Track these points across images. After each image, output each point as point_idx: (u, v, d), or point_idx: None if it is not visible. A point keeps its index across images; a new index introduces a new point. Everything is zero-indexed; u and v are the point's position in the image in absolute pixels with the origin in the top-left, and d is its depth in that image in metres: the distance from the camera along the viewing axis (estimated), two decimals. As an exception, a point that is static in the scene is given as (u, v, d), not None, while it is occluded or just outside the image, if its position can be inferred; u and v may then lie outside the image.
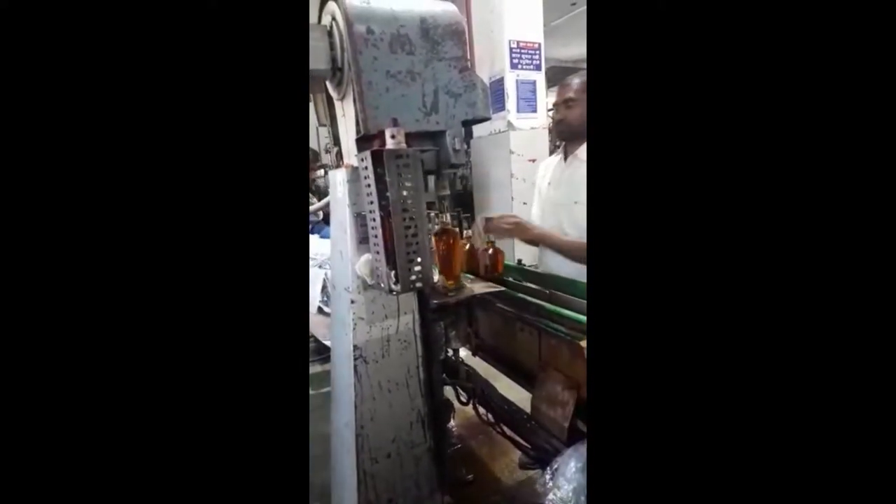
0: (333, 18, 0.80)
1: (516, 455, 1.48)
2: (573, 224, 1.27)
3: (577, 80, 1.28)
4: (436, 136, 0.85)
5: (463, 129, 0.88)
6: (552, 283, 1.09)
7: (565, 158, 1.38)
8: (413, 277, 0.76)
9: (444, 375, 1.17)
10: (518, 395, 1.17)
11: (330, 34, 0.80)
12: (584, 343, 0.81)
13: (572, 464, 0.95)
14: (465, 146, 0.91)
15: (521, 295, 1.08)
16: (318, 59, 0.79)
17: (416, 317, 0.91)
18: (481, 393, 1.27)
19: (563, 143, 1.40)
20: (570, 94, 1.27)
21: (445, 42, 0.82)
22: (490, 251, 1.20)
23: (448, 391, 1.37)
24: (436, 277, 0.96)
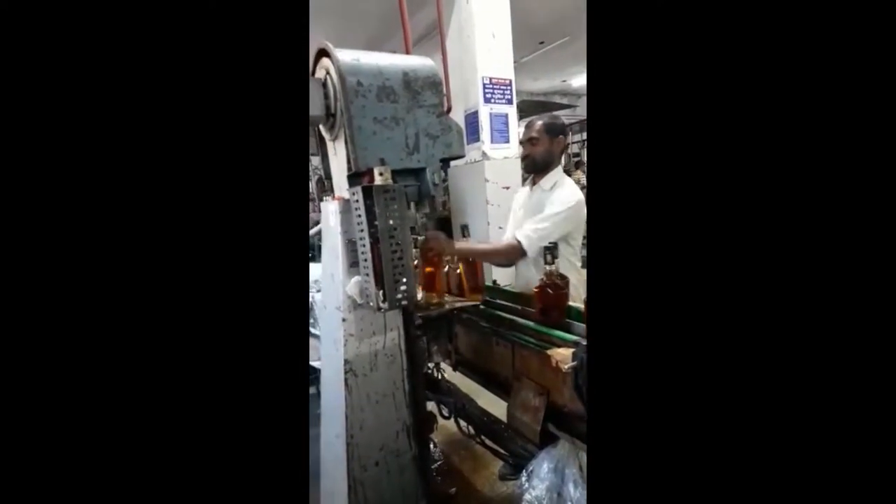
0: (328, 72, 0.92)
1: (497, 467, 1.56)
2: (524, 234, 1.41)
3: (539, 122, 1.46)
4: (418, 172, 0.97)
5: (441, 165, 1.01)
6: (524, 300, 1.20)
7: (532, 187, 1.54)
8: (399, 296, 0.86)
9: (428, 391, 1.26)
10: (500, 410, 1.25)
11: (324, 85, 0.92)
12: (550, 352, 0.92)
13: (545, 465, 1.04)
14: (444, 179, 1.03)
15: (496, 311, 1.18)
16: (314, 106, 0.90)
17: (402, 333, 1.00)
18: (462, 407, 1.36)
19: (532, 175, 1.56)
20: (534, 134, 1.45)
21: (424, 92, 0.95)
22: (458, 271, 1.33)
23: (431, 407, 1.45)
24: (419, 295, 1.06)
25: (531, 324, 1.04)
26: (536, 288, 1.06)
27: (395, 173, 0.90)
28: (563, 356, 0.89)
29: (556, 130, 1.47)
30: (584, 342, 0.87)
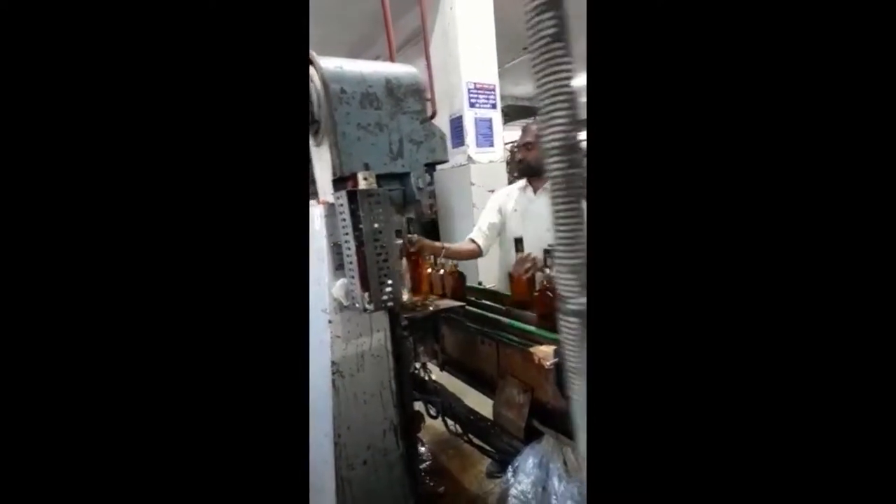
0: (311, 80, 0.94)
1: (484, 466, 1.58)
2: None
3: (536, 127, 1.51)
4: (402, 177, 0.99)
5: (425, 170, 1.03)
6: (508, 300, 1.23)
7: (534, 192, 1.56)
8: (384, 297, 0.88)
9: (415, 391, 1.28)
10: (487, 409, 1.27)
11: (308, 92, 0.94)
12: (533, 350, 0.95)
13: (530, 460, 1.07)
14: (430, 184, 1.06)
15: (481, 311, 1.21)
16: (298, 113, 0.92)
17: (388, 334, 1.02)
18: (449, 406, 1.38)
19: (526, 178, 1.60)
20: (529, 139, 1.50)
21: (407, 99, 0.98)
22: (454, 275, 1.35)
23: (420, 407, 1.47)
24: (405, 296, 1.08)
25: (515, 322, 1.07)
26: (537, 292, 1.08)
27: (380, 178, 0.92)
28: (545, 353, 0.92)
29: None
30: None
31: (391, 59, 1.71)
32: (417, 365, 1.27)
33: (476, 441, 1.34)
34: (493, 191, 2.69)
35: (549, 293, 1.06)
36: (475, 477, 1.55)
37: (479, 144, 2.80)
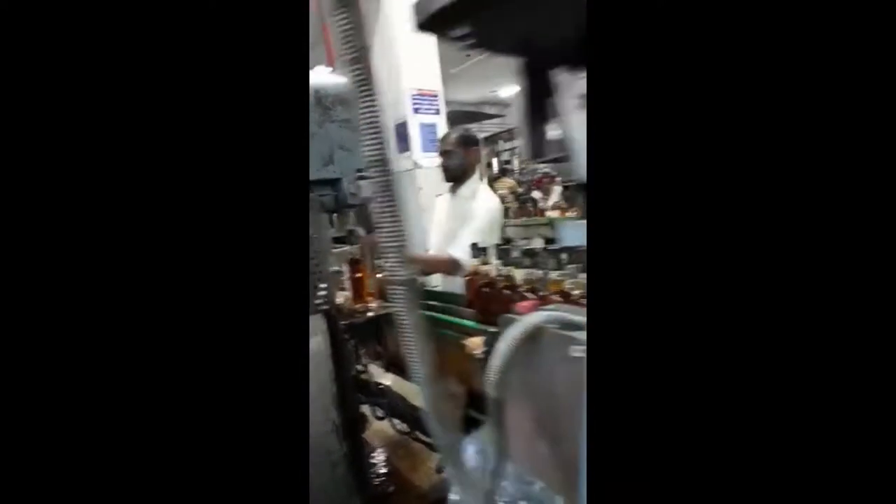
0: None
1: (434, 462, 1.62)
2: (462, 248, 1.52)
3: (454, 135, 1.60)
4: (334, 183, 1.02)
5: (356, 176, 1.07)
6: (446, 298, 1.29)
7: (453, 195, 1.66)
8: (318, 301, 0.90)
9: (360, 395, 1.30)
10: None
11: (235, 101, 0.95)
12: (466, 341, 1.01)
13: (470, 448, 1.12)
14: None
15: (423, 311, 1.26)
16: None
17: (326, 337, 1.04)
18: (395, 406, 1.41)
19: (451, 183, 1.69)
20: (448, 147, 1.59)
21: (336, 108, 1.01)
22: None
23: (366, 410, 1.49)
24: (341, 300, 1.11)
25: (450, 318, 1.13)
26: (486, 288, 1.14)
27: (312, 183, 0.95)
28: (476, 343, 0.99)
29: (469, 141, 1.61)
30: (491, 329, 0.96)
31: (330, 64, 1.72)
32: (360, 367, 1.29)
33: (423, 438, 1.38)
34: (440, 195, 2.78)
35: (485, 289, 1.12)
36: (425, 473, 1.58)
37: (424, 149, 2.86)
